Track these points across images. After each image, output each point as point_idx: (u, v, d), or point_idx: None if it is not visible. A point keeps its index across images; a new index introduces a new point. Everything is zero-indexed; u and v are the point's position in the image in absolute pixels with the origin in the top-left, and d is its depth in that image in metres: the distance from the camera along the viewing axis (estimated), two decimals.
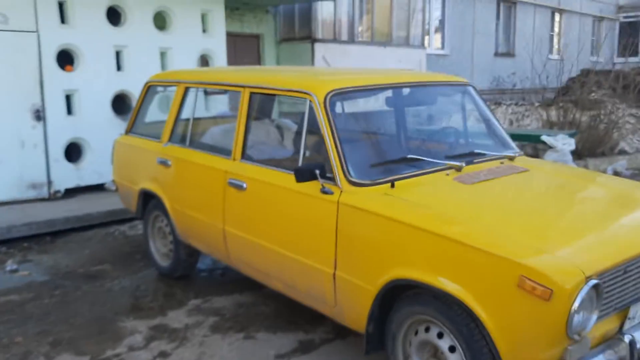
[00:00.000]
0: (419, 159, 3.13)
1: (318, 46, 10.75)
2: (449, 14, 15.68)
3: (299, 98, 3.25)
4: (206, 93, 5.68)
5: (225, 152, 3.72)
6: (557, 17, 20.28)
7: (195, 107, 4.19)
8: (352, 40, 11.52)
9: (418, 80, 3.62)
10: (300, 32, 10.94)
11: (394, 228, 2.65)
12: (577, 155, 7.97)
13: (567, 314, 2.16)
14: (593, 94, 9.85)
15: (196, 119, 4.27)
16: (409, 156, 3.15)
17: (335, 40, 11.16)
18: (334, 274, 2.92)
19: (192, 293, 4.22)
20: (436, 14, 15.58)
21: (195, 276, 4.56)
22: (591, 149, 8.27)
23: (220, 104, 6.83)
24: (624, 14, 23.31)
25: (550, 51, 19.86)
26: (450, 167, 3.13)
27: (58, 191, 6.51)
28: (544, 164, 3.75)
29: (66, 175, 6.57)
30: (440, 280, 2.45)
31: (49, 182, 6.43)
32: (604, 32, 22.75)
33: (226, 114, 6.35)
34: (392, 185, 2.89)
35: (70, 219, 5.85)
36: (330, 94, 3.12)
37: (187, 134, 4.15)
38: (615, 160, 8.27)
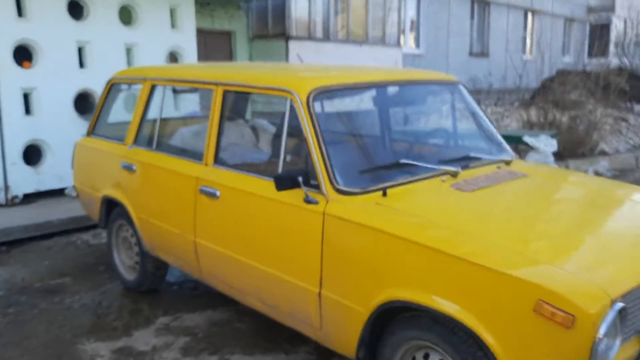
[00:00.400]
0: (412, 164, 2.84)
1: (292, 44, 10.42)
2: (424, 13, 15.52)
3: (279, 97, 2.93)
4: (175, 91, 5.31)
5: (196, 156, 3.38)
6: (529, 17, 20.33)
7: (163, 106, 3.84)
8: (327, 38, 11.23)
9: (408, 78, 3.34)
10: (273, 29, 10.60)
11: (389, 242, 2.35)
12: (558, 156, 7.81)
13: (591, 342, 1.89)
14: (571, 94, 9.74)
15: (164, 120, 3.92)
16: (402, 161, 2.85)
17: (310, 38, 10.86)
18: (320, 293, 2.61)
19: (160, 310, 3.86)
20: (411, 13, 15.39)
21: (164, 290, 4.19)
22: (572, 149, 8.13)
23: (190, 103, 6.47)
24: (595, 15, 23.53)
25: (524, 51, 19.90)
26: (445, 173, 2.85)
27: (16, 197, 6.07)
28: (540, 168, 3.50)
29: (24, 180, 6.14)
30: (443, 302, 2.17)
31: (6, 187, 5.98)
32: (575, 33, 22.94)
33: (196, 114, 5.99)
34: (384, 194, 2.60)
35: (29, 227, 5.43)
36: (314, 92, 2.80)
37: (154, 136, 3.79)
38: (596, 162, 8.14)
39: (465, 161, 3.06)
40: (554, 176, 3.28)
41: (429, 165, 2.84)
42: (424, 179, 2.79)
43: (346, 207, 2.54)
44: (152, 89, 3.89)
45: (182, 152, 3.62)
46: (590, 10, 23.77)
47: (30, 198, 6.16)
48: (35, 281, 4.39)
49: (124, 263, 4.20)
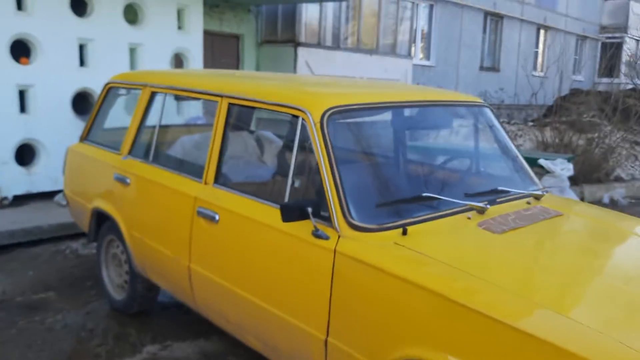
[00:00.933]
0: (435, 197, 2.53)
1: (301, 50, 10.15)
2: (436, 24, 15.26)
3: (289, 115, 2.64)
4: (177, 98, 5.03)
5: (195, 172, 3.09)
6: (542, 34, 20.07)
7: (163, 115, 3.55)
8: (337, 46, 10.95)
9: (432, 98, 3.03)
10: (282, 35, 10.33)
11: (410, 292, 2.05)
12: (572, 180, 7.50)
13: None
14: (585, 116, 9.44)
15: (163, 129, 3.64)
16: (424, 194, 2.54)
17: (320, 45, 10.58)
18: (326, 341, 2.31)
19: (148, 336, 3.55)
20: (422, 23, 15.12)
21: (155, 313, 3.88)
22: (587, 174, 7.81)
23: (193, 108, 6.18)
24: (607, 35, 23.27)
25: (535, 68, 19.63)
26: (471, 209, 2.55)
27: (5, 198, 5.79)
28: (574, 205, 3.18)
29: (16, 180, 5.86)
30: None
31: None
32: (587, 51, 22.67)
33: (199, 119, 5.69)
34: (404, 232, 2.29)
35: (17, 232, 5.14)
36: (329, 112, 2.51)
37: (151, 146, 3.49)
38: (612, 188, 7.83)
39: (493, 195, 2.75)
40: (592, 216, 2.94)
41: (454, 200, 2.54)
42: (448, 214, 2.49)
43: (360, 245, 2.25)
44: (152, 96, 3.60)
45: (181, 166, 3.33)
46: (602, 29, 23.52)
47: (20, 200, 5.88)
48: (17, 294, 4.09)
49: (113, 281, 3.90)
